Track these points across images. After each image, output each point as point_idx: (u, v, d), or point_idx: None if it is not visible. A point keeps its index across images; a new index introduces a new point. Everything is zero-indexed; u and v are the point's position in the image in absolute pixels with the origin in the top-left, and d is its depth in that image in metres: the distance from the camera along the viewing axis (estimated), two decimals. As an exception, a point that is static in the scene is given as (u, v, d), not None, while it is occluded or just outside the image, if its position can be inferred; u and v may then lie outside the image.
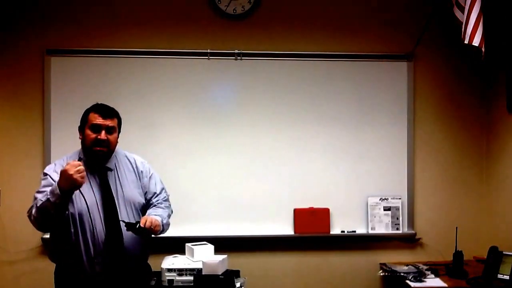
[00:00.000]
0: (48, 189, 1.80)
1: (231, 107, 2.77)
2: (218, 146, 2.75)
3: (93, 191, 1.94)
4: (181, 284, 2.11)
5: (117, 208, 1.96)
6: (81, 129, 1.98)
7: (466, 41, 2.22)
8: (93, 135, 1.92)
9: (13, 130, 2.69)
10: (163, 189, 2.16)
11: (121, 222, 1.93)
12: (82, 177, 1.75)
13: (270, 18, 2.80)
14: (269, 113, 2.77)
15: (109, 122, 1.95)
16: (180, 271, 2.12)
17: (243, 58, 2.75)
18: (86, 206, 1.87)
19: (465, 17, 2.24)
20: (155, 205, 2.10)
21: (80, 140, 2.01)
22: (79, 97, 2.65)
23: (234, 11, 2.75)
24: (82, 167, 1.76)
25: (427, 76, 2.86)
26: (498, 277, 2.42)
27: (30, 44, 2.68)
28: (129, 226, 1.89)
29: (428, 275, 2.51)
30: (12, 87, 2.69)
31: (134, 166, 2.09)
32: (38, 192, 1.87)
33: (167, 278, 2.12)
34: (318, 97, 2.79)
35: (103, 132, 1.93)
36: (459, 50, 2.78)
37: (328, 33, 2.82)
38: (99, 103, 2.03)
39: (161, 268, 2.16)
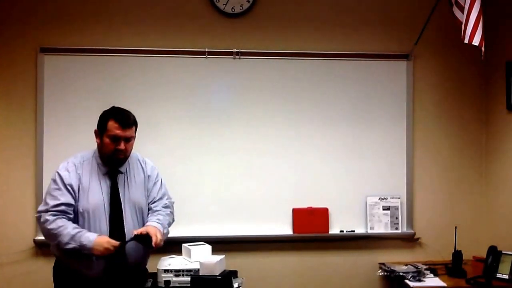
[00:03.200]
0: (59, 195, 1.92)
1: (229, 106, 2.75)
2: (216, 145, 2.73)
3: (102, 192, 1.98)
4: (178, 285, 2.09)
5: (123, 211, 1.99)
6: (99, 134, 1.99)
7: (466, 41, 2.23)
8: (112, 146, 1.95)
9: (5, 129, 2.65)
10: (164, 195, 2.16)
11: (134, 235, 1.92)
12: (103, 253, 1.86)
13: (268, 17, 2.79)
14: (267, 112, 2.76)
15: (128, 133, 1.97)
16: (177, 272, 2.11)
17: (241, 57, 2.74)
18: (93, 206, 1.94)
19: (464, 17, 2.25)
20: (155, 211, 2.09)
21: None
22: (72, 96, 2.64)
23: (233, 10, 2.74)
24: (111, 250, 1.86)
25: (426, 75, 2.87)
26: (497, 276, 2.43)
27: (24, 42, 2.65)
28: (140, 238, 1.90)
29: (427, 274, 2.52)
30: (5, 86, 2.65)
31: (144, 169, 2.12)
32: (50, 195, 1.94)
33: (164, 279, 2.10)
34: (316, 96, 2.79)
35: (122, 143, 1.96)
36: (458, 49, 2.80)
37: (327, 32, 2.82)
38: (118, 108, 2.03)
39: (157, 269, 2.14)
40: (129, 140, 1.99)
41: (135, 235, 1.90)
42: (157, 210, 2.10)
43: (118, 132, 1.94)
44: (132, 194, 2.03)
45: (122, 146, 1.95)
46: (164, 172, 2.64)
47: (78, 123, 2.61)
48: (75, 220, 1.94)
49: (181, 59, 2.71)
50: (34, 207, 2.58)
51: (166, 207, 2.14)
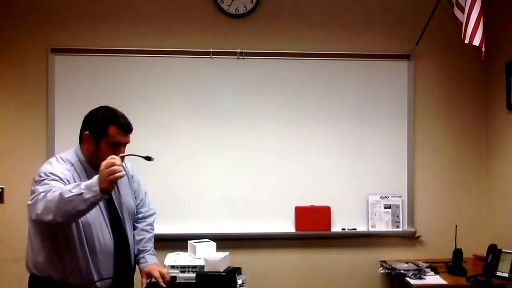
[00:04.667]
0: (58, 184, 1.61)
1: (233, 105, 2.78)
2: (220, 144, 2.77)
3: None
4: (184, 281, 2.10)
5: (121, 217, 1.88)
6: (94, 139, 1.77)
7: (466, 41, 2.23)
8: (112, 152, 1.74)
9: (17, 128, 2.71)
10: (145, 193, 2.11)
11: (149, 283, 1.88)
12: (117, 172, 1.53)
13: (272, 17, 2.81)
14: (270, 111, 2.79)
15: (129, 138, 1.83)
16: (183, 268, 2.12)
17: (245, 57, 2.77)
18: (93, 217, 1.76)
19: (465, 17, 2.25)
20: (144, 230, 2.03)
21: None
22: (83, 95, 2.68)
23: (237, 11, 2.77)
24: (117, 166, 1.53)
25: (427, 75, 2.88)
26: (497, 274, 2.44)
27: (35, 43, 2.70)
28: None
29: (428, 272, 2.53)
30: (16, 86, 2.71)
31: (126, 169, 1.98)
32: (40, 186, 1.61)
33: (170, 275, 2.13)
34: (319, 96, 2.81)
35: (122, 149, 1.80)
36: (459, 50, 2.80)
37: (330, 32, 2.84)
38: (113, 110, 1.82)
39: (164, 265, 2.17)
40: (126, 144, 1.83)
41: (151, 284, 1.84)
42: (146, 225, 2.04)
43: (121, 138, 1.77)
44: (124, 198, 1.91)
45: (122, 152, 1.78)
46: (169, 170, 2.72)
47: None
48: (71, 232, 1.72)
49: (186, 59, 2.74)
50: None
51: (152, 217, 2.09)
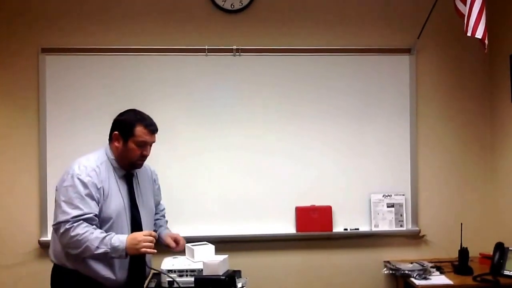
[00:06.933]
0: (81, 205, 1.79)
1: (230, 103, 2.74)
2: (217, 143, 2.73)
3: (122, 196, 1.95)
4: (182, 286, 2.07)
5: (141, 216, 2.01)
6: (123, 139, 1.93)
7: (468, 34, 2.22)
8: (139, 151, 1.94)
9: (8, 130, 2.67)
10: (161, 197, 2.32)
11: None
12: (150, 248, 1.81)
13: (268, 13, 2.78)
14: (268, 109, 2.75)
15: (154, 138, 2.00)
16: (181, 272, 2.09)
17: (241, 54, 2.72)
18: (116, 213, 1.90)
19: (467, 10, 2.25)
20: (161, 224, 2.27)
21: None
22: (74, 95, 2.65)
23: (232, 7, 2.73)
24: (152, 243, 1.82)
25: (429, 69, 2.85)
26: (505, 273, 2.42)
27: (25, 43, 2.66)
28: None
29: (433, 272, 2.50)
30: (7, 87, 2.67)
31: (149, 173, 2.15)
32: (70, 204, 1.78)
33: (167, 279, 2.09)
34: (318, 93, 2.77)
35: (149, 149, 1.97)
36: (462, 43, 2.77)
37: (329, 27, 2.80)
38: (139, 112, 1.98)
39: (161, 269, 2.13)
40: (151, 145, 2.01)
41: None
42: (161, 221, 2.26)
43: (148, 138, 1.95)
44: (145, 199, 2.06)
45: (148, 152, 1.97)
46: (165, 170, 2.66)
47: (80, 122, 2.64)
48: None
49: (182, 57, 2.70)
50: (38, 207, 2.62)
51: (164, 213, 2.31)
